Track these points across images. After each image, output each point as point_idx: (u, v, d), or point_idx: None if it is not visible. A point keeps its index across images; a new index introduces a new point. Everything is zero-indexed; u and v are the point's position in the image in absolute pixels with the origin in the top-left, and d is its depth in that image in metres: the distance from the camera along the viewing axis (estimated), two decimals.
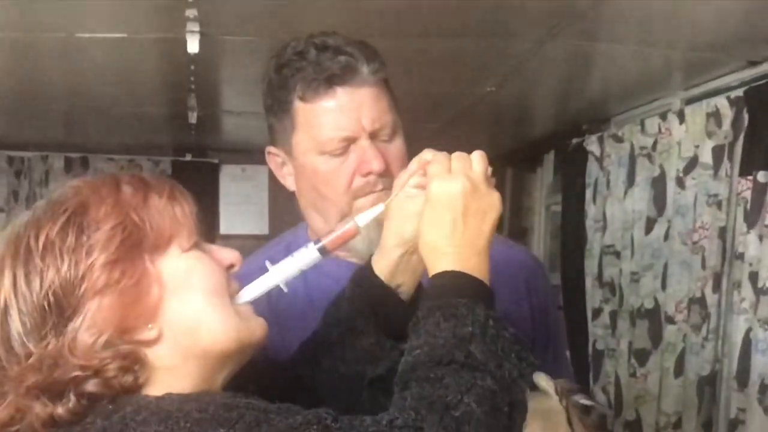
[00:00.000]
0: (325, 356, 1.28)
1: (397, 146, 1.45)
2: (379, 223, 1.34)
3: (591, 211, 3.63)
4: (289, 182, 1.50)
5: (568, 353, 2.00)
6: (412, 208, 1.20)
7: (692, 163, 2.86)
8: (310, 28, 1.46)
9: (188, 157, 5.05)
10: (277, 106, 1.45)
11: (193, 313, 1.04)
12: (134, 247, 1.01)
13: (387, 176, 1.40)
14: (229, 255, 1.12)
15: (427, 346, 1.01)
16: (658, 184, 3.05)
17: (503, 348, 1.02)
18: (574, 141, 3.72)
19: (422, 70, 2.87)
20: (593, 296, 3.63)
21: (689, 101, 2.99)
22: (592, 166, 3.63)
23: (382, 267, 1.27)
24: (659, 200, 3.07)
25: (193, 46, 2.42)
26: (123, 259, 1.00)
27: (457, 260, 1.09)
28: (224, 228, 5.25)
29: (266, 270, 1.19)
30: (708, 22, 2.29)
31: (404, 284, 1.27)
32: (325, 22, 1.53)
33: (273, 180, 5.45)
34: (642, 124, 3.23)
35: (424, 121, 3.86)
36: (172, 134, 4.64)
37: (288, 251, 1.37)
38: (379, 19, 2.33)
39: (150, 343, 1.01)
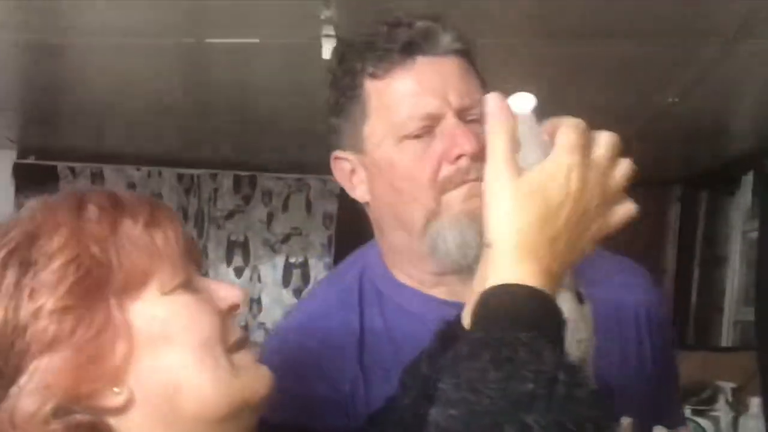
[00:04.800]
0: (393, 425, 1.03)
1: None
2: (482, 222, 1.16)
3: None
4: (361, 191, 1.26)
5: None
6: None
7: None
8: (473, 30, 1.26)
9: None
10: (343, 98, 1.23)
11: (172, 372, 0.83)
12: (94, 289, 0.81)
13: (482, 162, 1.18)
14: (230, 294, 0.89)
15: (464, 406, 0.71)
16: None
17: (576, 417, 0.71)
18: None
19: (588, 78, 2.60)
20: None
21: None
22: None
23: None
24: None
25: (327, 52, 2.24)
26: (78, 305, 0.81)
27: (531, 270, 0.79)
28: None
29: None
30: None
31: None
32: (494, 20, 1.32)
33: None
34: None
35: None
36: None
37: (359, 282, 1.23)
38: (545, 20, 2.12)
39: (116, 410, 0.82)
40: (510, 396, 0.71)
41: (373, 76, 1.20)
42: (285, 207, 4.75)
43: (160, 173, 4.75)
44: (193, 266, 0.89)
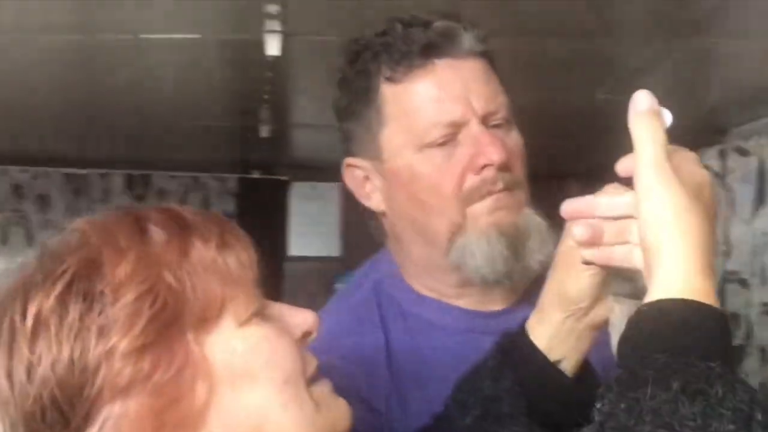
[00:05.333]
0: None
1: (515, 137, 1.14)
2: (510, 235, 1.08)
3: None
4: (376, 200, 1.17)
5: None
6: (580, 260, 0.87)
7: None
8: None
9: (256, 175, 4.81)
10: (356, 101, 1.15)
11: (256, 412, 0.75)
12: (171, 323, 0.72)
13: (508, 172, 1.10)
14: (303, 320, 0.80)
15: None
16: None
17: None
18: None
19: (524, 75, 2.54)
20: None
21: None
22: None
23: (540, 333, 0.95)
24: None
25: (272, 47, 2.12)
26: (155, 343, 0.71)
27: (707, 285, 0.71)
28: (293, 250, 4.98)
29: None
30: None
31: (565, 360, 0.95)
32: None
33: (346, 198, 5.24)
34: None
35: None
36: (239, 150, 4.40)
37: (376, 295, 1.16)
38: (480, 18, 2.03)
39: None
40: None
41: (391, 79, 1.12)
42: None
43: (47, 174, 4.58)
44: (262, 290, 0.80)
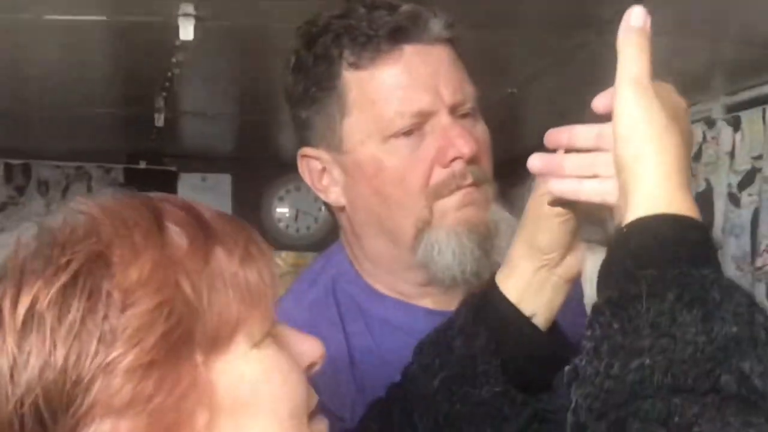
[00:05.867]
0: (422, 414, 0.93)
1: (481, 129, 1.12)
2: (480, 232, 1.06)
3: None
4: (334, 194, 1.13)
5: None
6: (550, 206, 0.86)
7: (749, 177, 2.55)
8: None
9: (143, 165, 4.61)
10: (314, 88, 1.10)
11: None
12: (184, 341, 0.64)
13: (476, 166, 1.07)
14: (310, 348, 0.75)
15: (659, 354, 0.61)
16: (703, 200, 2.73)
17: None
18: None
19: None
20: None
21: (732, 108, 2.67)
22: None
23: (511, 287, 0.92)
24: (705, 219, 2.74)
25: (186, 31, 2.01)
26: (163, 361, 0.63)
27: (688, 198, 0.71)
28: None
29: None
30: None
31: (537, 315, 0.92)
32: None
33: (237, 189, 5.10)
34: None
35: None
36: (128, 139, 4.21)
37: (334, 294, 1.12)
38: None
39: None
40: (714, 340, 0.60)
41: (355, 65, 1.07)
42: (64, 198, 4.34)
43: None
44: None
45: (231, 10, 2.05)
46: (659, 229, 0.68)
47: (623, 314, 0.64)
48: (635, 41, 0.74)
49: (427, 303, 1.14)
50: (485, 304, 0.92)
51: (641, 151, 0.70)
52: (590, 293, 0.86)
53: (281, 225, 4.53)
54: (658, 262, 0.66)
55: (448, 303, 1.09)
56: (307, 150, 1.13)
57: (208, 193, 4.66)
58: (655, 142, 0.70)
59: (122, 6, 2.05)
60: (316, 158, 1.13)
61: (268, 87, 2.57)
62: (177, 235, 0.66)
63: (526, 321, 0.91)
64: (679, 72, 0.82)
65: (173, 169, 4.70)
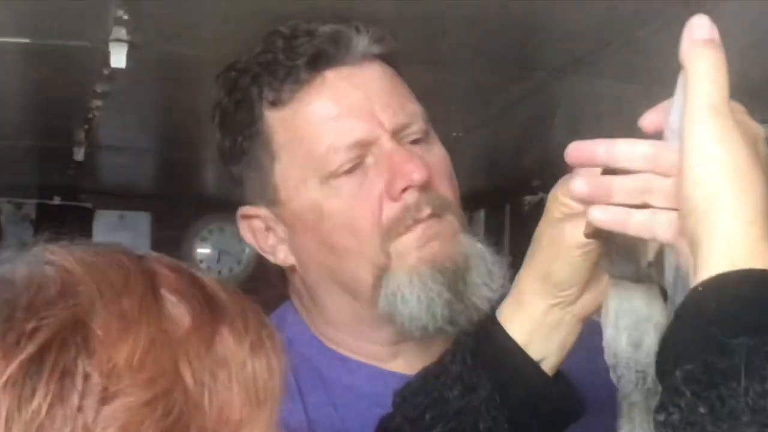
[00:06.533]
0: None
1: (438, 152, 0.98)
2: (447, 270, 0.92)
3: None
4: (282, 254, 0.99)
5: None
6: (571, 235, 0.75)
7: None
8: None
9: (57, 201, 4.42)
10: (240, 138, 0.97)
11: None
12: None
13: (434, 194, 0.93)
14: None
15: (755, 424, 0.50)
16: None
17: None
18: (528, 198, 3.30)
19: None
20: None
21: None
22: None
23: (518, 327, 0.81)
24: None
25: (118, 59, 1.86)
26: None
27: (761, 247, 0.58)
28: None
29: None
30: None
31: (546, 359, 0.81)
32: None
33: (157, 228, 4.90)
34: None
35: None
36: (41, 173, 4.01)
37: (289, 360, 0.95)
38: None
39: None
40: None
41: (276, 103, 0.95)
42: None
43: None
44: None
45: (167, 37, 1.93)
46: (746, 288, 0.56)
47: (712, 395, 0.52)
48: (705, 56, 0.61)
49: (399, 366, 1.00)
50: (487, 347, 0.81)
51: (719, 193, 0.59)
52: (612, 336, 0.77)
53: (203, 266, 4.36)
54: (752, 330, 0.54)
55: (424, 364, 0.94)
56: (246, 209, 1.00)
57: (125, 232, 4.50)
58: (736, 182, 0.59)
59: (47, 29, 1.90)
60: (257, 217, 1.00)
61: (197, 122, 2.45)
62: (175, 307, 0.53)
63: (535, 368, 0.80)
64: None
65: (89, 205, 4.54)
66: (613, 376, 0.78)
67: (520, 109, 2.39)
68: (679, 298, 0.62)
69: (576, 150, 0.69)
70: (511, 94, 2.26)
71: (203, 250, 4.41)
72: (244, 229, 1.01)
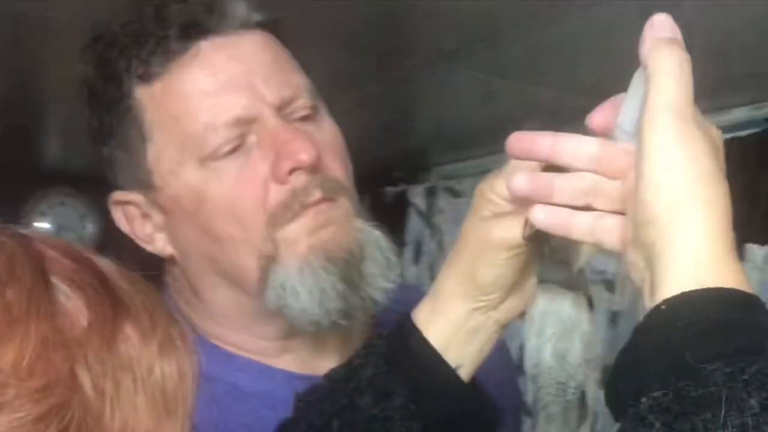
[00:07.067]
0: None
1: (329, 129, 0.94)
2: (340, 258, 0.87)
3: (411, 273, 3.17)
4: (160, 243, 0.93)
5: None
6: (500, 236, 0.70)
7: None
8: None
9: None
10: (109, 116, 0.90)
11: None
12: None
13: (325, 175, 0.88)
14: None
15: None
16: None
17: None
18: (388, 189, 3.25)
19: None
20: None
21: None
22: (414, 223, 3.17)
23: (436, 332, 0.76)
24: None
25: None
26: None
27: (732, 268, 0.53)
28: None
29: None
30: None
31: (462, 366, 0.76)
32: None
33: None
34: None
35: None
36: None
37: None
38: None
39: None
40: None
41: (144, 77, 0.88)
42: None
43: None
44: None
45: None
46: (718, 309, 0.51)
47: (686, 426, 0.46)
48: (668, 54, 0.56)
49: (289, 363, 0.94)
50: (402, 352, 0.75)
51: (682, 203, 0.54)
52: (535, 345, 0.75)
53: None
54: (727, 355, 0.48)
55: (315, 360, 0.92)
56: (117, 195, 0.93)
57: None
58: (701, 193, 0.54)
59: None
60: (131, 203, 0.93)
61: (38, 87, 2.26)
62: (70, 300, 0.46)
63: (452, 375, 0.75)
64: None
65: None
66: (531, 387, 0.74)
67: (389, 97, 2.32)
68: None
69: (518, 141, 0.64)
70: (379, 84, 2.19)
71: (41, 225, 4.14)
72: (118, 216, 0.93)
